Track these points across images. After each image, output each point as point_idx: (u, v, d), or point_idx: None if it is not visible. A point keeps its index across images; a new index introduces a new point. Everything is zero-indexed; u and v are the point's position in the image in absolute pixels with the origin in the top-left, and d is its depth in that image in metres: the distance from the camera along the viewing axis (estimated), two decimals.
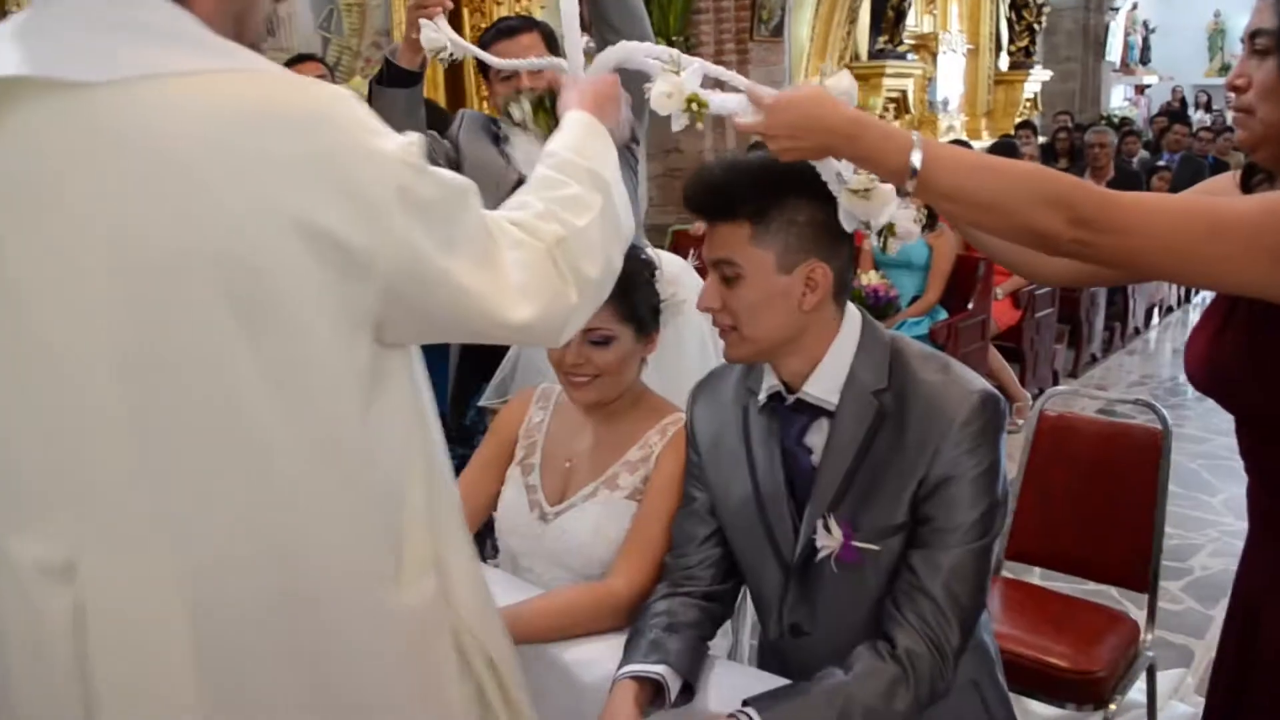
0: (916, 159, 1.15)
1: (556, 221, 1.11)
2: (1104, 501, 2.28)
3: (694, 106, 1.26)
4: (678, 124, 1.29)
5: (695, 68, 1.30)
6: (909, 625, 1.31)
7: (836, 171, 1.31)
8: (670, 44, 6.09)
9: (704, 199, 1.39)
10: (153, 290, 0.89)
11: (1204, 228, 1.13)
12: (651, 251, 1.72)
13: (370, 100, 2.43)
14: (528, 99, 2.26)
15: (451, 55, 1.93)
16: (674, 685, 1.37)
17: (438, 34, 1.94)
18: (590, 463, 1.67)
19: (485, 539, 1.88)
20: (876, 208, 1.32)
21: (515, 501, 1.70)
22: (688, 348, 1.90)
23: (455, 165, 2.48)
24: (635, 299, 1.63)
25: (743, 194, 1.35)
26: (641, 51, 1.34)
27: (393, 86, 2.25)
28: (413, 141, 0.98)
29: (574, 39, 1.54)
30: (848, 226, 1.37)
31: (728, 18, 6.32)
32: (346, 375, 0.97)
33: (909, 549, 1.36)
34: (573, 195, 1.15)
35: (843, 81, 1.27)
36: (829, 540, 1.38)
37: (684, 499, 1.57)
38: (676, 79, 1.27)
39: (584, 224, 1.13)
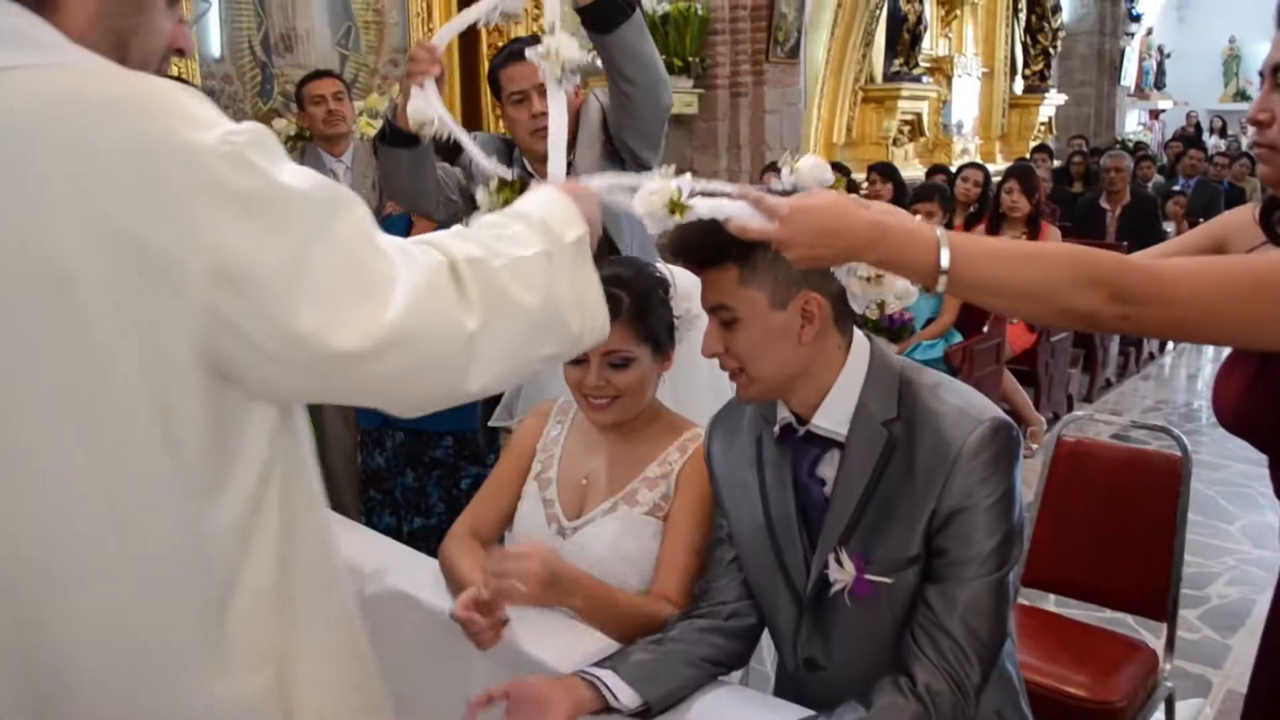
0: (944, 258, 1.12)
1: (477, 244, 1.01)
2: (1122, 528, 2.25)
3: (675, 210, 1.22)
4: (654, 227, 1.25)
5: (688, 178, 1.27)
6: (928, 661, 1.29)
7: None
8: (686, 65, 6.11)
9: (686, 247, 1.36)
10: None
11: (1247, 289, 1.10)
12: (664, 268, 1.71)
13: (375, 156, 2.42)
14: (489, 188, 2.10)
15: (435, 131, 1.92)
16: (618, 692, 1.36)
17: (426, 106, 1.92)
18: (608, 478, 1.67)
19: None
20: (887, 290, 1.32)
21: (532, 515, 1.70)
22: (701, 363, 1.89)
23: (469, 193, 2.48)
24: (651, 318, 1.63)
25: (723, 237, 1.27)
26: (627, 181, 1.28)
27: (394, 146, 2.23)
28: (239, 131, 0.88)
29: (558, 156, 1.58)
30: (858, 308, 1.36)
31: (743, 39, 6.32)
32: (154, 420, 0.86)
33: (925, 583, 1.34)
34: (513, 233, 1.05)
35: (816, 170, 1.25)
36: (841, 574, 1.36)
37: (715, 524, 1.57)
38: (665, 183, 1.23)
39: (521, 254, 1.03)
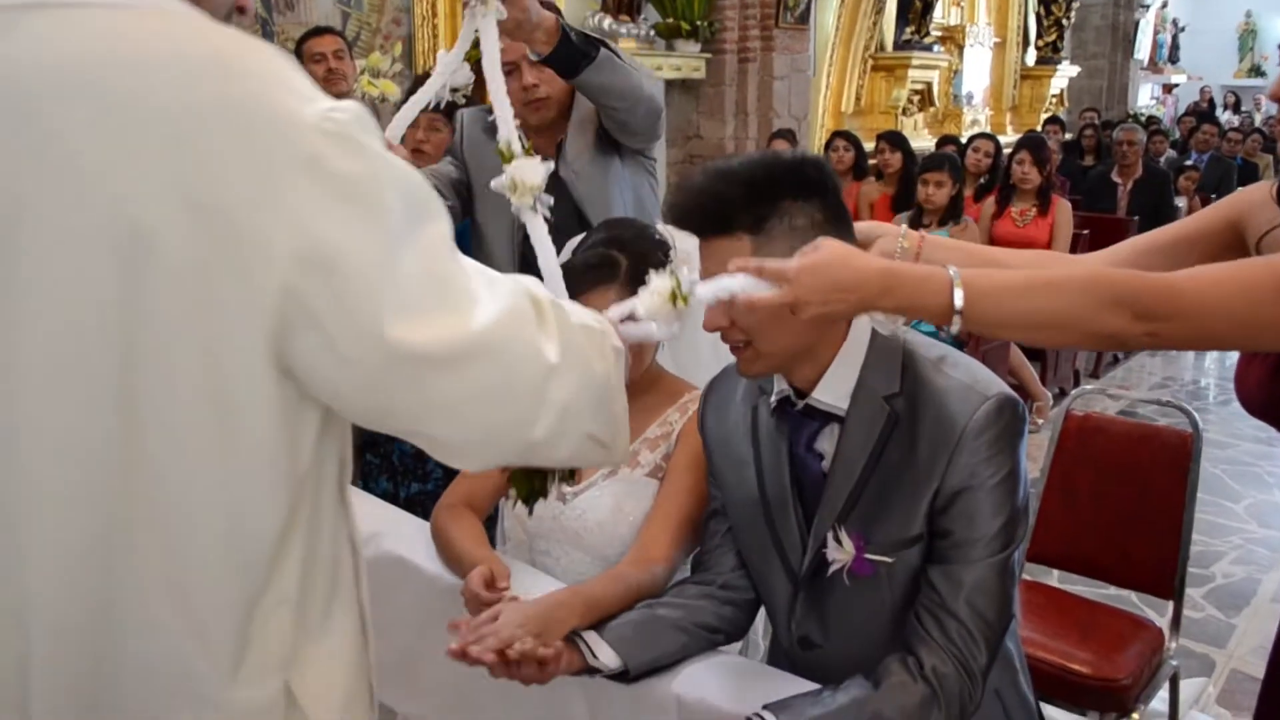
0: (958, 298, 1.11)
1: (548, 294, 0.98)
2: (1130, 505, 2.23)
3: (679, 301, 1.21)
4: (664, 331, 1.23)
5: (684, 270, 1.26)
6: (935, 643, 1.27)
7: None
8: (694, 29, 6.04)
9: (694, 215, 1.31)
10: None
11: (1271, 291, 1.08)
12: (664, 230, 1.68)
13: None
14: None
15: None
16: (599, 651, 1.34)
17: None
18: None
19: (495, 525, 1.85)
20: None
21: None
22: (702, 331, 1.86)
23: (465, 185, 2.41)
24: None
25: (737, 205, 1.28)
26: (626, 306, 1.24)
27: None
28: (341, 108, 0.83)
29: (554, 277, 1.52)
30: (884, 332, 1.34)
31: (752, 4, 6.23)
32: (211, 407, 0.81)
33: (928, 564, 1.32)
34: (571, 306, 1.03)
35: None
36: (840, 553, 1.34)
37: (709, 496, 1.55)
38: (658, 285, 1.22)
39: (588, 322, 1.01)
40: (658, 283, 1.22)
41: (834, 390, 1.34)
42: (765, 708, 1.23)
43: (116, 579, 0.84)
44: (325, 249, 0.79)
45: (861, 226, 1.44)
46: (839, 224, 1.32)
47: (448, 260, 0.88)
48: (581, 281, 1.58)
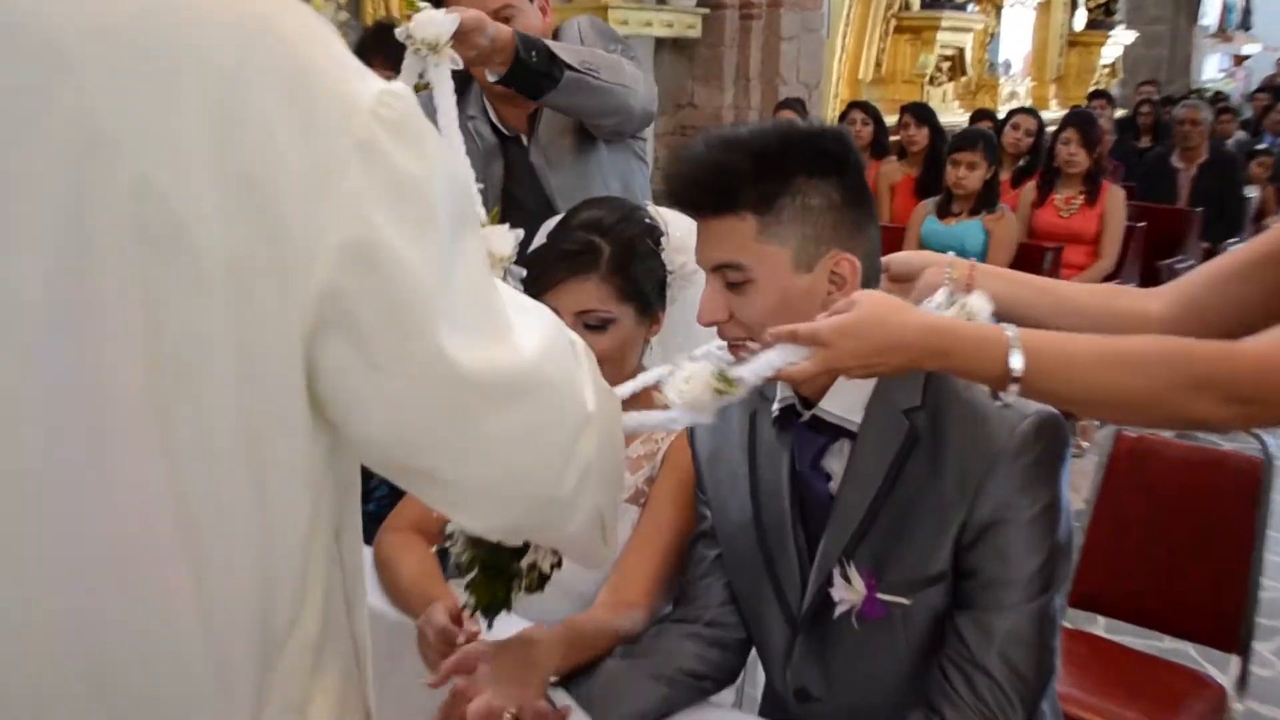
0: (1016, 363, 1.13)
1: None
2: (1188, 542, 2.24)
3: (725, 389, 1.22)
4: (697, 417, 1.24)
5: (706, 350, 1.29)
6: (963, 703, 1.27)
7: None
8: None
9: (694, 188, 1.33)
10: None
11: None
12: (655, 212, 1.68)
13: None
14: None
15: None
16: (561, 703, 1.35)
17: None
18: None
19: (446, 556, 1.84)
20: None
21: None
22: (699, 327, 1.87)
23: None
24: (636, 272, 1.60)
25: (742, 180, 1.29)
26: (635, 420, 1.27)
27: None
28: (395, 93, 0.83)
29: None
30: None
31: None
32: (240, 422, 0.81)
33: (955, 610, 1.32)
34: None
35: (984, 310, 1.27)
36: (848, 592, 1.34)
37: (697, 516, 1.55)
38: (695, 369, 1.23)
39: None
40: (693, 368, 1.23)
41: (845, 400, 1.35)
42: None
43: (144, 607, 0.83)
44: (376, 246, 0.79)
45: (900, 257, 1.47)
46: (859, 207, 1.33)
47: (487, 279, 0.90)
48: (554, 271, 1.58)
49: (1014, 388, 1.14)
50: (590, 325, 1.57)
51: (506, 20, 2.08)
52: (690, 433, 1.54)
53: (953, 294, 1.31)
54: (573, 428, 0.93)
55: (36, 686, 0.84)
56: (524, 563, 1.36)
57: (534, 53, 1.93)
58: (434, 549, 1.72)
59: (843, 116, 6.71)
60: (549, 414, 0.91)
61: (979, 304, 1.27)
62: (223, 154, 0.76)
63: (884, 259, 1.49)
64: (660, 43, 6.42)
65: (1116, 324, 1.43)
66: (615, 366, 1.59)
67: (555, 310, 1.37)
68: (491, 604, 1.38)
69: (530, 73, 1.95)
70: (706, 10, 6.28)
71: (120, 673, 0.84)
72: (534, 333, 0.91)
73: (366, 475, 2.58)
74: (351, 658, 0.99)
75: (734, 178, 1.29)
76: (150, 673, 0.84)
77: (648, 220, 1.66)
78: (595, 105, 2.11)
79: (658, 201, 1.68)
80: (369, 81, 0.82)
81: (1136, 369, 1.14)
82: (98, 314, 0.76)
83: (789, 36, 6.44)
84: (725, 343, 1.36)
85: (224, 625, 0.85)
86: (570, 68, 1.99)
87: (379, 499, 2.75)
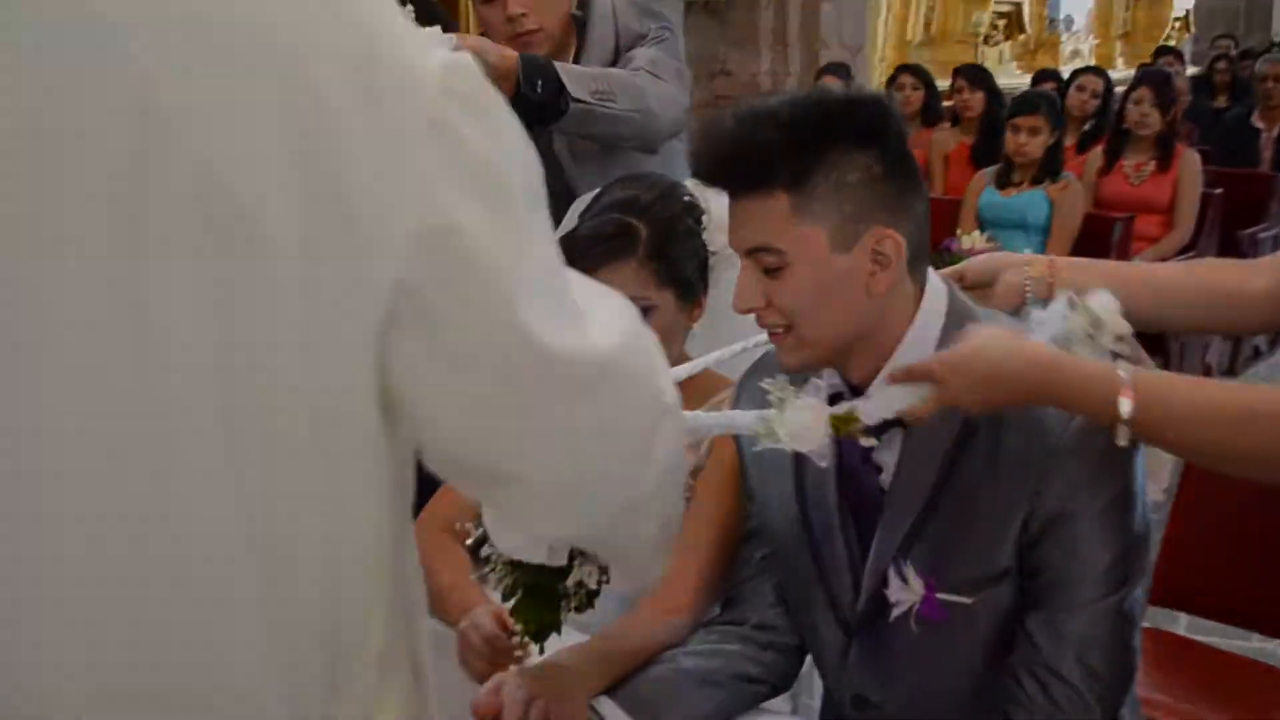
0: (1125, 408, 1.17)
1: None
2: None
3: (844, 426, 1.30)
4: (812, 448, 1.31)
5: (814, 386, 1.35)
6: (1038, 711, 1.31)
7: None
8: None
9: (722, 167, 1.36)
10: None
11: None
12: (695, 190, 1.69)
13: None
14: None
15: None
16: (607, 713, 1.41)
17: None
18: None
19: None
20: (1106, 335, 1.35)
21: None
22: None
23: None
24: (676, 255, 1.63)
25: (774, 155, 1.30)
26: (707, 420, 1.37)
27: None
28: (462, 65, 0.83)
29: None
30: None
31: None
32: (312, 424, 0.82)
33: (1025, 610, 1.34)
34: None
35: (1111, 314, 1.31)
36: (905, 593, 1.36)
37: (743, 513, 1.59)
38: (812, 403, 1.31)
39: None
40: (807, 404, 1.31)
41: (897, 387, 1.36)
42: None
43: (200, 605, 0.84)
44: (452, 232, 0.80)
45: (976, 263, 1.51)
46: (903, 179, 1.34)
47: (559, 261, 0.90)
48: (588, 256, 1.60)
49: (1123, 429, 1.19)
50: None
51: (523, 20, 2.11)
52: None
53: (1073, 299, 1.32)
54: (652, 422, 0.94)
55: (104, 700, 0.85)
56: (570, 582, 1.38)
57: (539, 83, 1.95)
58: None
59: (890, 81, 6.72)
60: (631, 406, 0.92)
61: (1104, 305, 1.30)
62: (289, 138, 0.75)
63: (958, 267, 1.52)
64: (690, 5, 6.44)
65: (1222, 309, 1.45)
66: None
67: None
68: (540, 628, 1.41)
69: (533, 103, 1.96)
70: None
71: (188, 689, 0.86)
72: (613, 318, 0.92)
73: None
74: (410, 672, 1.00)
75: (765, 154, 1.30)
76: (218, 687, 0.86)
77: (687, 198, 1.67)
78: (610, 133, 2.14)
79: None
80: (435, 54, 0.82)
81: (1261, 424, 1.16)
82: (162, 318, 0.76)
83: None
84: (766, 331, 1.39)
85: (292, 638, 0.86)
86: (578, 100, 2.00)
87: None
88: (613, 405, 0.90)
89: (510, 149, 0.85)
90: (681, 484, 1.06)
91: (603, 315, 0.92)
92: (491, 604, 1.52)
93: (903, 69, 6.82)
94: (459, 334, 0.82)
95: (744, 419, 1.33)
